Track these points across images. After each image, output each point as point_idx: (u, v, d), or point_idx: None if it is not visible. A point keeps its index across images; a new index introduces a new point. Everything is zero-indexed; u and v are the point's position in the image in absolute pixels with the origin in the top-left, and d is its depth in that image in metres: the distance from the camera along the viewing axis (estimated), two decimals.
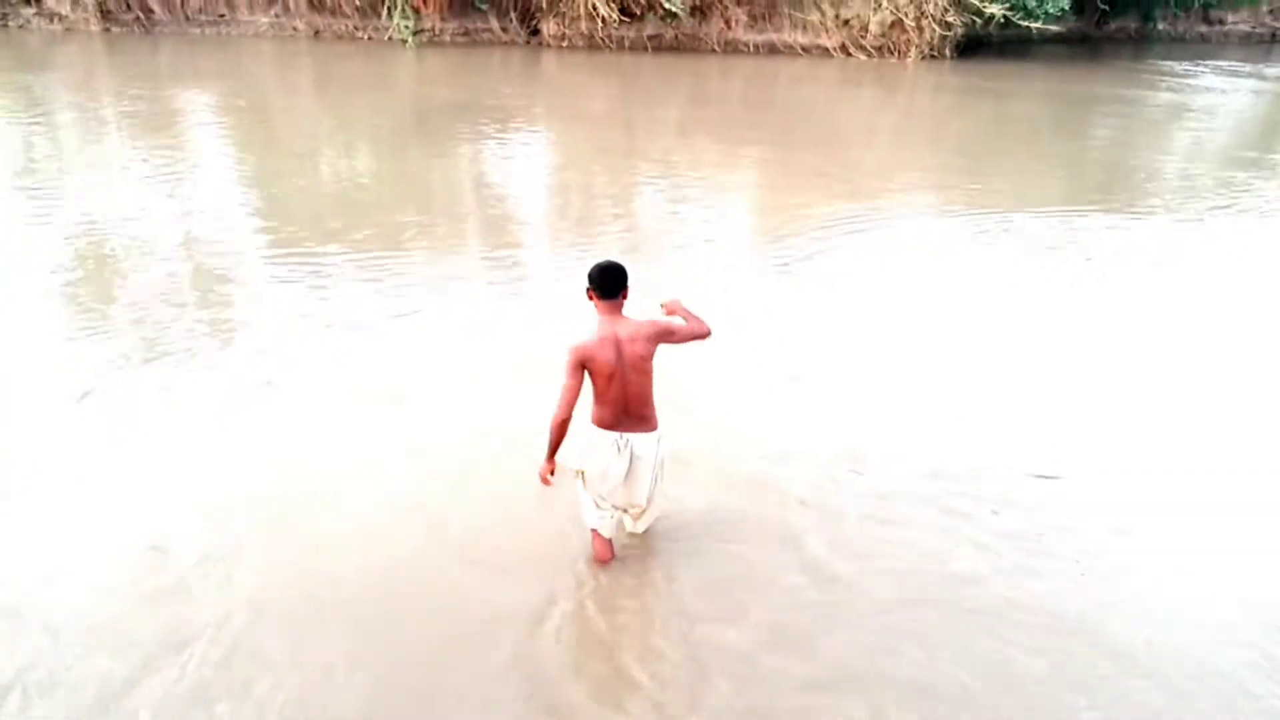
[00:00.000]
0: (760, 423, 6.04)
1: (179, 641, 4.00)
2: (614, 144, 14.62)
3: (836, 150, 14.97)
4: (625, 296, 4.19)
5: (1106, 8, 27.64)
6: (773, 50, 24.05)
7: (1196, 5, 29.31)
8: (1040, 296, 8.46)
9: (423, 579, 4.48)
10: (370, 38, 23.70)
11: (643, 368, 4.15)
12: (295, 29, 23.88)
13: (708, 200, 11.35)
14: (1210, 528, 5.15)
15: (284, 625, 4.14)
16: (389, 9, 23.04)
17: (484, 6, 23.64)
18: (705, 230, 10.16)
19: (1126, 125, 17.54)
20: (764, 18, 23.99)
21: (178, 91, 16.85)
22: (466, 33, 23.86)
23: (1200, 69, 24.22)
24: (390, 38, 23.31)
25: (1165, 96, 20.33)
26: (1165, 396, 6.67)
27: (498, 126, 14.99)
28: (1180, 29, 30.83)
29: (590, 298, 4.19)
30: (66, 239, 8.87)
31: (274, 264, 8.48)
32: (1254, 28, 31.70)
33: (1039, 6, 22.55)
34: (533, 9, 23.68)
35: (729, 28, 23.94)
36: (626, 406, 4.19)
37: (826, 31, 23.77)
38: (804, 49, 23.96)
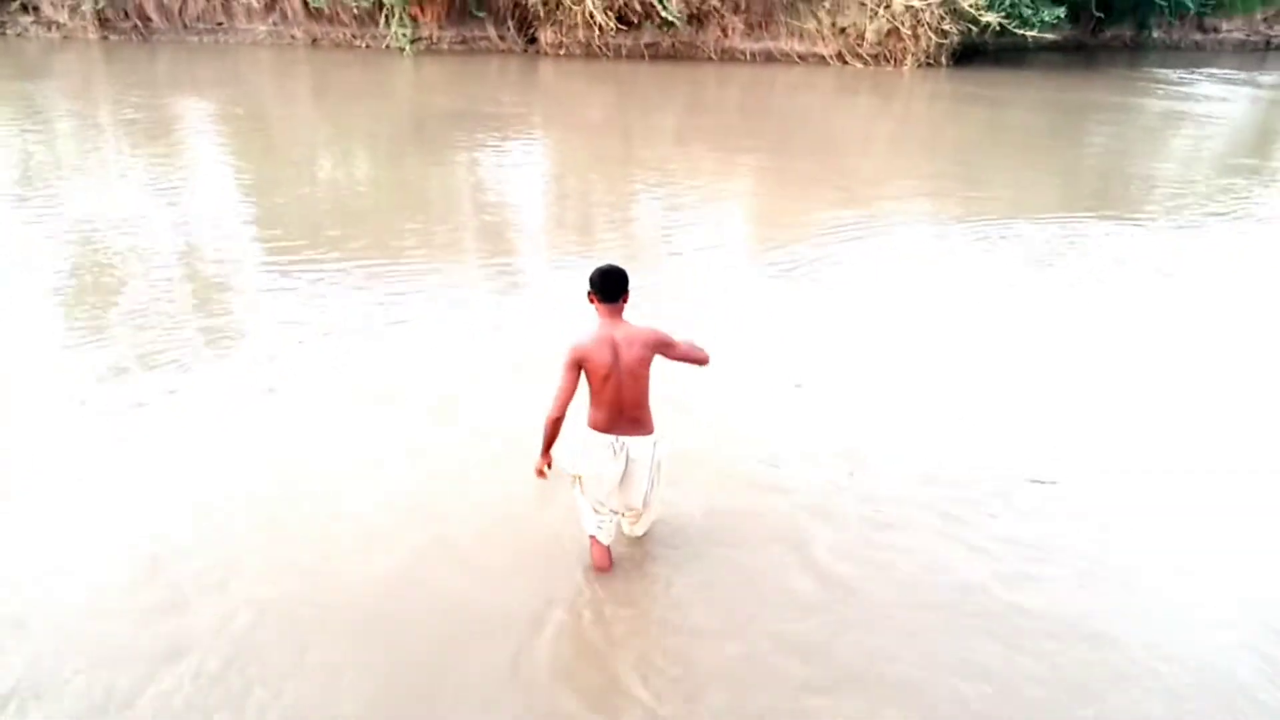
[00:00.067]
0: (760, 426, 6.05)
1: (179, 644, 4.00)
2: (611, 152, 14.65)
3: (833, 158, 15.00)
4: (626, 300, 4.22)
5: (1101, 16, 27.72)
6: (769, 58, 24.10)
7: (1191, 13, 29.39)
8: (1038, 301, 8.48)
9: (422, 580, 4.48)
10: (368, 46, 23.74)
11: (639, 372, 4.17)
12: (293, 37, 23.92)
13: (705, 208, 11.36)
14: (1210, 528, 5.16)
15: (284, 628, 4.14)
16: (386, 17, 23.08)
17: (481, 15, 23.67)
18: (702, 237, 10.17)
19: (1123, 133, 17.59)
20: (760, 26, 24.04)
21: (176, 99, 16.87)
22: (464, 41, 23.90)
23: (1195, 77, 24.31)
24: (388, 46, 23.34)
25: (1161, 104, 20.39)
26: (1164, 398, 6.69)
27: (495, 134, 15.01)
28: (1175, 37, 30.92)
29: (591, 301, 4.21)
30: (66, 245, 8.88)
31: (273, 271, 8.48)
32: (1248, 35, 31.80)
33: (1035, 15, 22.61)
34: (530, 17, 23.72)
35: (726, 36, 23.99)
36: (622, 409, 4.20)
37: (823, 40, 23.82)
38: (800, 57, 24.01)
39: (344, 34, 23.90)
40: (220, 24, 23.83)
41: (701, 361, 4.38)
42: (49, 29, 23.04)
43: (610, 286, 4.15)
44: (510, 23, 24.04)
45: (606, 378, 4.12)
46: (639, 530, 4.77)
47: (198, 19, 23.66)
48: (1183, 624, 4.41)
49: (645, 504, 4.51)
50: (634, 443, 4.28)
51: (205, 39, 23.63)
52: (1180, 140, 17.23)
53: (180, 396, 6.15)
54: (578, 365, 4.11)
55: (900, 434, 6.02)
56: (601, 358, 4.09)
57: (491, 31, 24.01)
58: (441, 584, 4.47)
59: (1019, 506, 5.26)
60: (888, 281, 8.79)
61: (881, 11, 22.78)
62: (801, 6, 23.53)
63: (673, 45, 23.82)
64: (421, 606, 4.32)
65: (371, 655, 4.02)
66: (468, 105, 17.60)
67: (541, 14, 23.30)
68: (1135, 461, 5.82)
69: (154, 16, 23.35)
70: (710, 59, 23.94)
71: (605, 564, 4.55)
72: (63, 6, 22.82)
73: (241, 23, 23.85)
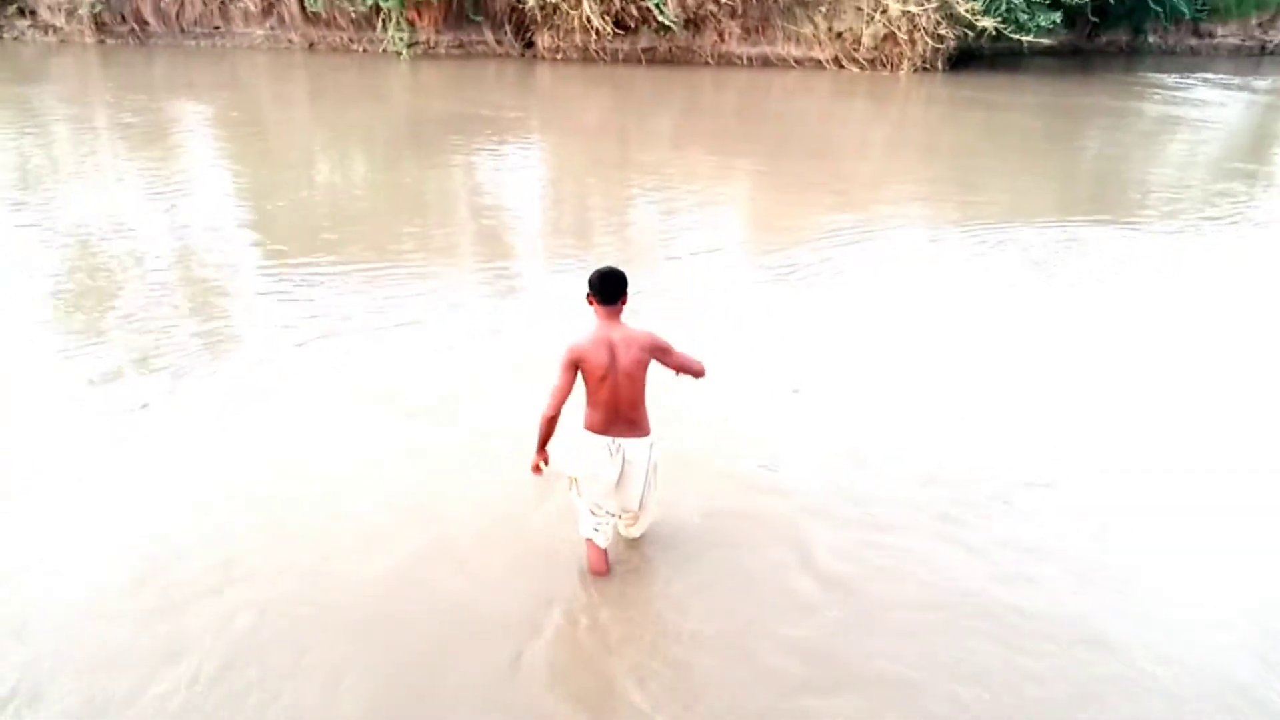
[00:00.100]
0: (758, 428, 6.06)
1: (179, 644, 4.00)
2: (609, 156, 14.66)
3: (830, 162, 15.02)
4: (624, 302, 4.24)
5: (1097, 21, 27.80)
6: (766, 63, 24.13)
7: (1187, 18, 29.46)
8: (1036, 304, 8.49)
9: (422, 581, 4.48)
10: (365, 50, 23.75)
11: (635, 374, 4.18)
12: (290, 41, 23.93)
13: (702, 211, 11.37)
14: (1209, 528, 5.17)
15: (284, 628, 4.14)
16: (384, 21, 23.09)
17: (479, 19, 23.68)
18: (700, 241, 10.18)
19: (1119, 137, 17.64)
20: (757, 30, 24.07)
21: (173, 103, 16.87)
22: (461, 45, 23.92)
23: (1191, 81, 24.37)
24: (385, 50, 23.35)
25: (1157, 109, 20.45)
26: (1163, 399, 6.70)
27: (493, 138, 15.01)
28: (1171, 42, 31.00)
29: (590, 302, 4.23)
30: (65, 248, 8.88)
31: (272, 274, 8.48)
32: (1243, 41, 31.89)
33: (1031, 20, 22.67)
34: (527, 21, 23.74)
35: (722, 40, 24.02)
36: (618, 411, 4.21)
37: (819, 44, 23.86)
38: (797, 61, 24.04)
39: (341, 38, 23.90)
40: (217, 28, 23.84)
41: (697, 373, 4.39)
42: (45, 32, 23.05)
43: (609, 289, 4.17)
44: (507, 27, 24.06)
45: (603, 379, 4.13)
46: (636, 532, 4.77)
47: (195, 23, 23.68)
48: (1182, 625, 4.41)
49: (642, 506, 4.51)
50: (630, 444, 4.29)
51: (202, 43, 23.65)
52: (1177, 145, 17.27)
53: (180, 397, 6.15)
54: (574, 365, 4.13)
55: (899, 436, 6.02)
56: (598, 358, 4.10)
57: (489, 36, 24.03)
58: (441, 585, 4.46)
59: (1018, 508, 5.27)
60: (886, 285, 8.80)
61: (878, 16, 22.82)
62: (798, 11, 23.57)
63: (669, 50, 23.84)
64: (421, 608, 4.31)
65: (371, 656, 4.01)
66: (465, 109, 17.61)
67: (539, 18, 23.31)
68: (1135, 462, 5.83)
69: (151, 20, 23.36)
70: (707, 63, 23.97)
71: (602, 566, 4.54)
72: (59, 10, 22.83)
73: (239, 27, 23.86)
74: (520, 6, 23.28)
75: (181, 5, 23.44)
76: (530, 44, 24.12)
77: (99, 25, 22.94)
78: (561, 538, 4.75)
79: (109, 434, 5.67)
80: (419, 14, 23.12)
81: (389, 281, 8.32)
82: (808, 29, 23.72)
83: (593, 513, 4.44)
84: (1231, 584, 4.72)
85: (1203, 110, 20.49)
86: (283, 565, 4.54)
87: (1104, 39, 29.88)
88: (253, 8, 23.57)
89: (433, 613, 4.29)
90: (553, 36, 23.58)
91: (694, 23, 23.59)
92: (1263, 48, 31.96)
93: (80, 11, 22.67)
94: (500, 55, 24.04)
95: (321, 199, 11.37)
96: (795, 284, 8.76)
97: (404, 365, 6.73)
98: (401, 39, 22.97)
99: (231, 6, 23.65)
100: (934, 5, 22.12)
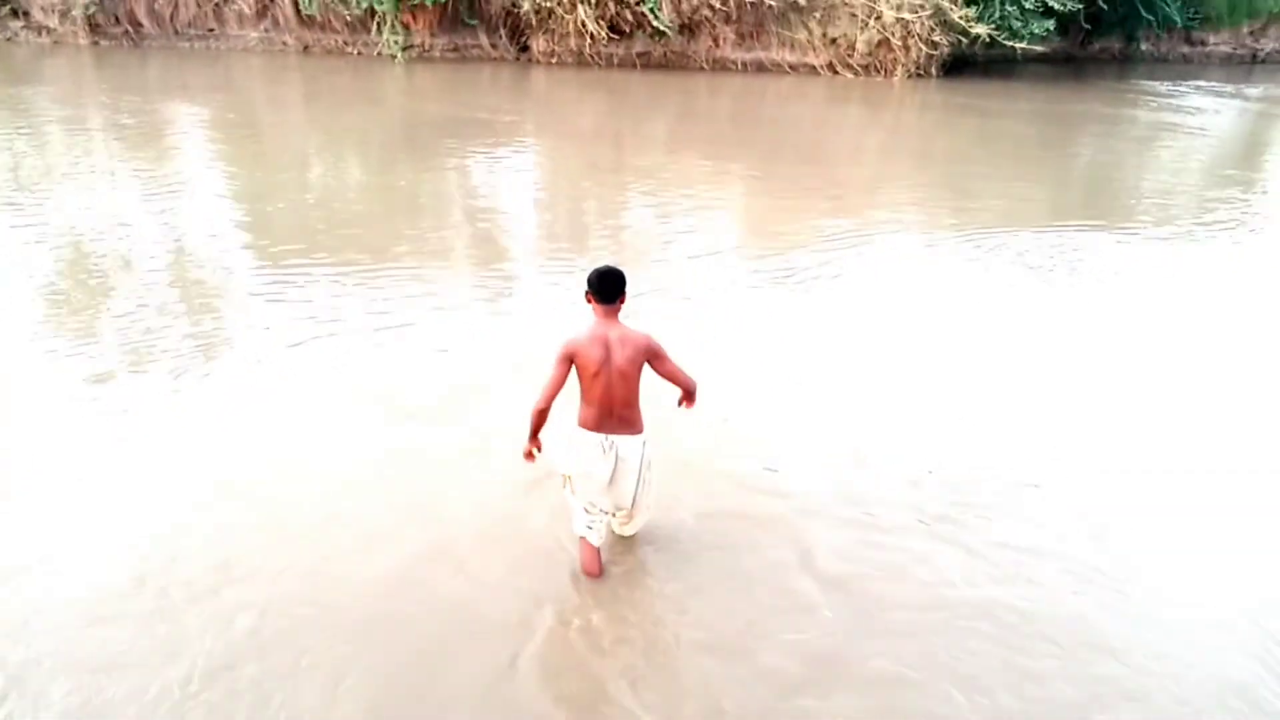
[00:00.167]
0: (758, 428, 6.06)
1: (179, 644, 3.98)
2: (604, 160, 14.67)
3: (825, 167, 15.06)
4: (623, 301, 4.28)
5: (1090, 28, 27.93)
6: (760, 68, 24.19)
7: (1179, 27, 29.61)
8: (1033, 307, 8.53)
9: (421, 581, 4.48)
10: (360, 53, 23.73)
11: (629, 372, 4.21)
12: (285, 44, 23.91)
13: (698, 215, 11.38)
14: (1209, 529, 5.20)
15: (283, 628, 4.12)
16: (379, 25, 23.08)
17: (474, 23, 23.69)
18: (696, 245, 10.19)
19: (1113, 144, 17.73)
20: (752, 36, 24.12)
21: (168, 105, 16.84)
22: (456, 49, 23.92)
23: (1183, 89, 24.49)
24: (380, 53, 23.34)
25: (1150, 115, 20.56)
26: (1162, 400, 6.74)
27: (488, 142, 15.01)
28: (1163, 50, 31.17)
29: (589, 300, 4.27)
30: (62, 249, 8.85)
31: (269, 276, 8.46)
32: (1235, 49, 32.06)
33: (1024, 27, 22.76)
34: (522, 25, 23.75)
35: (717, 46, 24.07)
36: (611, 408, 4.24)
37: (814, 50, 23.92)
38: (791, 67, 24.10)
39: (336, 41, 23.89)
40: (211, 30, 23.80)
41: (686, 388, 4.41)
42: (39, 34, 22.99)
43: (607, 287, 4.22)
44: (502, 31, 24.06)
45: (596, 375, 4.16)
46: (630, 531, 4.79)
47: (189, 25, 23.63)
48: (1182, 625, 4.42)
49: (635, 504, 4.52)
50: (623, 441, 4.32)
51: (196, 45, 23.61)
52: (1170, 152, 17.36)
53: (180, 397, 6.14)
54: (569, 359, 4.17)
55: (898, 436, 6.03)
56: (592, 354, 4.14)
57: (484, 39, 24.03)
58: (440, 586, 4.45)
59: (1017, 508, 5.28)
60: (883, 288, 8.82)
61: (872, 22, 22.88)
62: (793, 17, 23.62)
63: (664, 54, 23.88)
64: (420, 608, 4.30)
65: (371, 657, 4.00)
66: (460, 113, 17.62)
67: (534, 22, 23.33)
68: (1134, 462, 5.85)
69: (145, 22, 23.32)
70: (702, 68, 24.01)
71: (595, 566, 4.54)
72: (53, 11, 22.77)
73: (233, 29, 23.83)
74: (515, 11, 23.30)
75: (176, 7, 23.39)
76: (525, 48, 24.12)
77: (93, 26, 22.89)
78: (560, 538, 4.75)
79: (109, 434, 5.65)
80: (414, 17, 23.11)
81: (386, 283, 8.31)
82: (802, 35, 23.79)
83: (586, 510, 4.46)
84: (1231, 584, 4.73)
85: (1195, 118, 20.60)
86: (282, 565, 4.52)
87: (1097, 46, 30.02)
88: (247, 10, 23.54)
89: (432, 613, 4.28)
90: (548, 41, 23.60)
91: (689, 28, 23.63)
92: (1254, 56, 32.14)
93: (74, 13, 22.61)
94: (495, 59, 24.05)
95: (317, 202, 11.35)
96: (793, 287, 8.77)
97: (402, 366, 6.72)
98: (396, 42, 22.96)
99: (226, 9, 23.61)
100: (928, 12, 22.21)
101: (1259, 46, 32.38)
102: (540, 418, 4.23)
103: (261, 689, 3.78)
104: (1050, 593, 4.59)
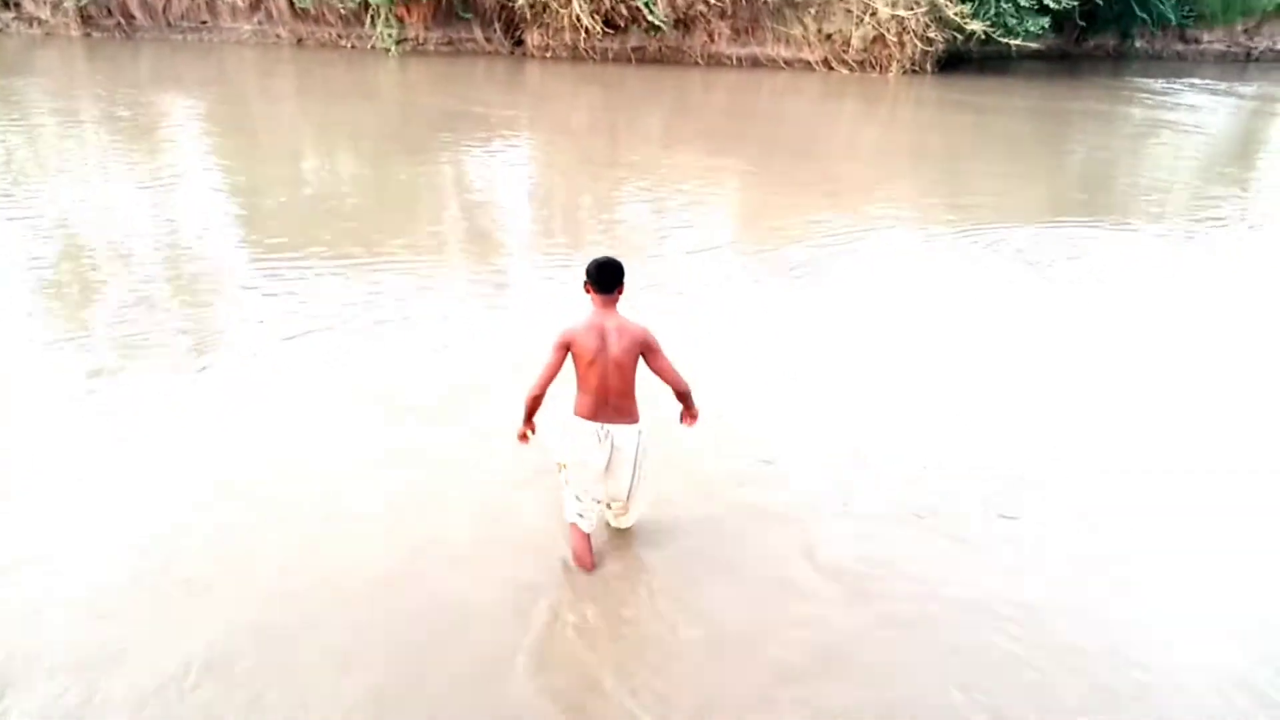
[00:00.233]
0: (756, 423, 6.06)
1: (178, 643, 3.96)
2: (599, 154, 14.64)
3: (820, 163, 15.05)
4: (620, 292, 4.32)
5: (1085, 25, 27.94)
6: (755, 64, 24.15)
7: (1173, 24, 29.65)
8: (1030, 304, 8.54)
9: (420, 579, 4.46)
10: (354, 46, 23.63)
11: (625, 362, 4.24)
12: (278, 36, 23.78)
13: (693, 210, 11.37)
14: (1210, 528, 5.20)
15: (283, 628, 4.10)
16: (372, 17, 22.97)
17: (468, 16, 23.61)
18: (692, 239, 10.17)
19: (1108, 141, 17.73)
20: (747, 31, 24.08)
21: (160, 98, 16.74)
22: (450, 42, 23.84)
23: (1178, 86, 24.52)
24: (374, 46, 23.24)
25: (1145, 113, 20.58)
26: (1161, 399, 6.75)
27: (482, 136, 14.97)
28: (1158, 47, 31.21)
29: (587, 290, 4.31)
30: (56, 244, 8.79)
31: (265, 272, 8.40)
32: (1229, 47, 32.13)
33: (1019, 24, 22.76)
34: (517, 19, 23.67)
35: (712, 41, 24.03)
36: (606, 397, 4.27)
37: (809, 46, 23.90)
38: (786, 63, 24.08)
39: (329, 34, 23.77)
40: (204, 22, 23.66)
41: (678, 388, 4.41)
42: (31, 25, 22.82)
43: (605, 278, 4.27)
44: (497, 25, 23.98)
45: (591, 363, 4.20)
46: (625, 523, 4.79)
47: (181, 17, 23.47)
48: (1182, 625, 4.42)
49: (630, 495, 4.54)
50: (618, 430, 4.35)
51: (189, 37, 23.47)
52: (1165, 149, 17.39)
53: (179, 396, 6.10)
54: (565, 347, 4.23)
55: (897, 433, 6.04)
56: (588, 343, 4.18)
57: (478, 33, 23.94)
58: (439, 583, 4.45)
59: (1017, 506, 5.28)
60: (880, 283, 8.83)
61: (867, 18, 22.86)
62: (788, 12, 23.60)
63: (659, 49, 23.82)
64: (419, 606, 4.29)
65: (370, 653, 3.99)
66: (455, 106, 17.56)
67: (528, 16, 23.25)
68: (1134, 461, 5.86)
69: (137, 14, 23.16)
70: (696, 64, 23.96)
71: (586, 554, 4.54)
72: (45, 3, 22.60)
73: (226, 21, 23.68)
74: (510, 4, 23.19)
75: None
76: (520, 42, 24.05)
77: (85, 18, 22.73)
78: (557, 536, 4.73)
79: (108, 433, 5.61)
80: (408, 10, 23.01)
81: (382, 278, 8.28)
82: (797, 30, 23.76)
83: (578, 499, 4.48)
84: (1231, 584, 4.74)
85: (1190, 115, 20.63)
86: (282, 564, 4.51)
87: (1091, 43, 30.05)
88: (240, 3, 23.40)
89: (431, 610, 4.27)
90: (542, 35, 23.52)
91: (684, 23, 23.59)
92: (1248, 54, 32.20)
93: (66, 4, 22.43)
94: (489, 53, 23.97)
95: (312, 195, 11.28)
96: (790, 282, 8.76)
97: (401, 364, 6.70)
98: (390, 35, 22.87)
99: (219, 1, 23.47)
100: (923, 8, 22.20)
101: (1253, 44, 32.45)
102: (534, 403, 4.29)
103: (259, 684, 3.77)
104: (1049, 589, 4.59)
